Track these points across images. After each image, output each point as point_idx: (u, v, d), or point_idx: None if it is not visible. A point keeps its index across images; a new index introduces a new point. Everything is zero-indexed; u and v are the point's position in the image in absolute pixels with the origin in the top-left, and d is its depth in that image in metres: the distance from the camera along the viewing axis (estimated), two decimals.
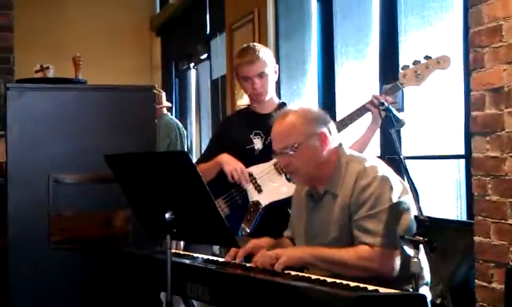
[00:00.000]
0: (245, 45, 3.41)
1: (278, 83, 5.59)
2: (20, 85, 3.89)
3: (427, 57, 2.99)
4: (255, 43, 3.46)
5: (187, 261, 2.66)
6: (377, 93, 3.38)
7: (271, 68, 3.32)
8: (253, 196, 3.27)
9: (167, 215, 2.42)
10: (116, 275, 2.88)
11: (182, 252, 2.83)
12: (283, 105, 3.39)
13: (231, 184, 3.24)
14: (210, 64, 7.29)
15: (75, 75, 4.22)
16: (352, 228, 2.48)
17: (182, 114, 8.60)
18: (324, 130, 2.56)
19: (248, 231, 3.17)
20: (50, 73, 4.22)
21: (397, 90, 3.07)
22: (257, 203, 3.25)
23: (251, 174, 3.26)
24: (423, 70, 2.98)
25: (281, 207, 3.25)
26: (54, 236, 3.67)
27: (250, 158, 3.30)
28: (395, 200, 2.45)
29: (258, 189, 3.26)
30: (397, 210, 2.44)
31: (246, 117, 3.45)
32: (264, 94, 3.31)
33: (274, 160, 3.24)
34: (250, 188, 3.26)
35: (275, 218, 3.24)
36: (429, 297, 2.43)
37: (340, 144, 2.61)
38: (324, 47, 5.06)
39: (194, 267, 2.60)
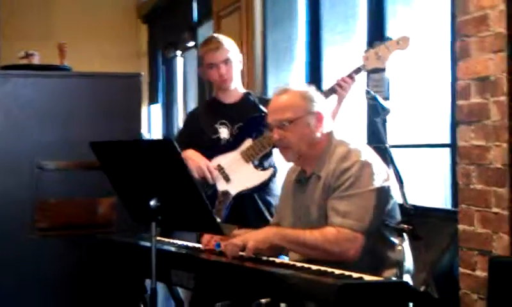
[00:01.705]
0: (209, 35, 3.48)
1: (264, 70, 5.63)
2: (4, 72, 3.88)
3: (387, 39, 3.11)
4: (219, 34, 3.53)
5: (172, 249, 2.66)
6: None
7: (235, 55, 3.39)
8: (222, 186, 3.28)
9: (152, 203, 2.42)
10: (100, 262, 2.87)
11: (166, 239, 2.83)
12: (248, 94, 3.44)
13: None
14: (197, 52, 7.26)
15: (61, 62, 4.19)
16: (327, 207, 2.48)
17: (168, 102, 8.57)
18: (321, 111, 2.57)
19: (219, 221, 3.18)
20: (35, 60, 4.19)
21: (359, 72, 3.15)
22: (226, 193, 3.28)
23: (218, 165, 3.28)
24: (384, 51, 3.07)
25: (250, 195, 3.28)
26: (39, 223, 3.66)
27: (217, 148, 3.34)
28: (375, 186, 2.44)
29: (227, 179, 3.28)
30: (376, 196, 2.44)
31: (212, 107, 3.48)
32: (229, 81, 3.37)
33: (241, 149, 3.28)
34: (218, 178, 3.28)
35: (245, 206, 3.26)
36: (411, 285, 2.45)
37: (332, 131, 2.62)
38: (311, 34, 5.05)
39: (179, 254, 2.60)
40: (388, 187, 2.48)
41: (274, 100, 2.63)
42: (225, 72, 3.34)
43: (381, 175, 2.48)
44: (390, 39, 3.09)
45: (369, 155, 2.52)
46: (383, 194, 2.46)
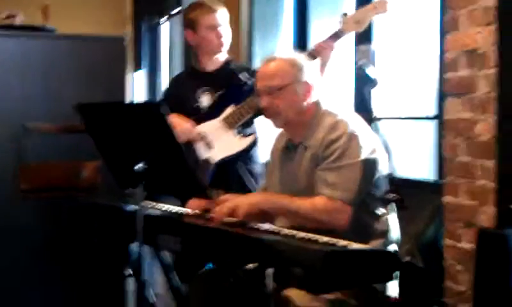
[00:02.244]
0: (200, 0, 3.41)
1: (250, 40, 5.58)
2: None
3: (364, 3, 3.13)
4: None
5: (158, 213, 2.65)
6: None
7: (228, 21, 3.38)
8: (204, 152, 3.27)
9: (137, 167, 2.40)
10: (85, 226, 2.85)
11: (152, 203, 2.81)
12: (229, 62, 3.41)
13: None
14: (184, 15, 7.17)
15: (44, 23, 4.11)
16: (315, 178, 2.48)
17: (153, 68, 8.49)
18: (310, 80, 2.56)
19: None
20: (18, 21, 4.11)
21: (338, 36, 3.11)
22: (208, 160, 3.26)
23: (200, 132, 3.27)
24: (361, 16, 3.06)
25: (232, 162, 3.27)
26: (22, 185, 3.62)
27: (198, 115, 3.32)
28: (362, 157, 2.44)
29: (209, 146, 3.27)
30: (364, 167, 2.44)
31: (193, 75, 3.47)
32: (226, 46, 3.36)
33: (223, 116, 3.28)
34: (200, 145, 3.27)
35: (227, 173, 3.26)
36: (398, 255, 2.46)
37: (318, 100, 2.61)
38: (299, 4, 5.02)
39: (165, 218, 2.59)
40: (376, 158, 2.48)
41: (264, 67, 2.61)
42: (225, 35, 3.32)
43: (369, 146, 2.47)
44: (367, 3, 3.07)
45: (357, 125, 2.52)
46: (370, 165, 2.46)
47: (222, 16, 3.34)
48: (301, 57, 2.62)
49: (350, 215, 2.41)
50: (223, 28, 3.33)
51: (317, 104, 2.60)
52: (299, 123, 2.58)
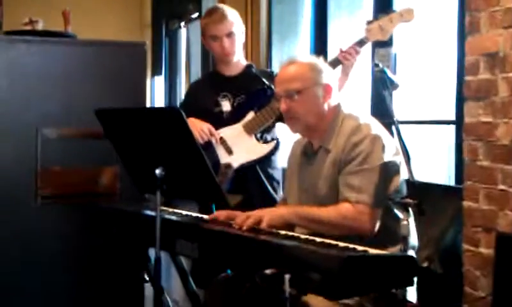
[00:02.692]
0: (213, 6, 3.43)
1: (269, 44, 5.59)
2: (8, 37, 3.82)
3: (390, 11, 3.08)
4: (223, 4, 3.47)
5: (177, 218, 2.65)
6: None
7: (238, 28, 3.35)
8: (224, 158, 3.28)
9: (157, 172, 2.41)
10: (104, 230, 2.86)
11: (170, 209, 2.82)
12: (250, 66, 3.42)
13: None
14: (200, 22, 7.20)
15: (65, 29, 4.15)
16: (339, 183, 2.47)
17: (172, 74, 8.53)
18: (329, 83, 2.56)
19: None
20: (39, 27, 4.14)
21: (363, 44, 3.12)
22: (228, 165, 3.27)
23: (221, 137, 3.27)
24: (387, 24, 3.04)
25: (252, 168, 3.27)
26: (41, 191, 3.65)
27: (219, 120, 3.32)
28: (386, 159, 2.43)
29: (229, 151, 3.28)
30: (386, 170, 2.42)
31: (213, 80, 3.46)
32: (232, 55, 3.34)
33: (243, 122, 3.27)
34: (221, 150, 3.27)
35: (247, 179, 3.26)
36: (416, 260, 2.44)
37: (339, 103, 2.60)
38: (317, 8, 5.01)
39: (183, 223, 2.59)
40: (398, 161, 2.47)
41: (283, 70, 2.61)
42: (228, 45, 3.31)
43: (391, 149, 2.47)
44: (394, 11, 3.06)
45: (379, 128, 2.51)
46: (394, 168, 2.45)
47: (228, 26, 3.29)
48: (319, 61, 2.61)
49: (378, 218, 2.40)
50: (228, 38, 3.30)
51: (337, 107, 2.59)
52: (319, 127, 2.57)
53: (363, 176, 2.41)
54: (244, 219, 2.41)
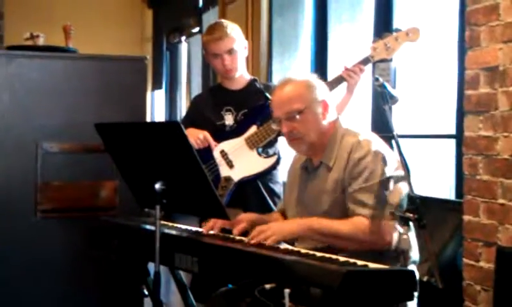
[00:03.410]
0: (213, 22, 3.44)
1: (269, 57, 5.60)
2: (9, 52, 3.84)
3: (396, 30, 3.05)
4: (224, 20, 3.48)
5: (176, 233, 2.65)
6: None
7: (240, 44, 3.33)
8: (225, 171, 3.28)
9: (157, 186, 2.40)
10: (103, 244, 2.86)
11: (170, 223, 2.82)
12: (254, 81, 3.42)
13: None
14: (201, 38, 7.22)
15: (66, 44, 4.16)
16: (347, 200, 2.46)
17: (172, 88, 8.54)
18: (326, 99, 2.56)
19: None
20: (41, 42, 4.15)
21: (367, 62, 3.12)
22: (229, 178, 3.27)
23: (222, 150, 3.27)
24: (393, 43, 3.03)
25: (253, 182, 3.27)
26: (41, 205, 3.65)
27: (221, 134, 3.32)
28: (388, 174, 2.43)
29: (230, 164, 3.27)
30: (389, 184, 2.43)
31: (217, 93, 3.46)
32: (234, 71, 3.34)
33: (245, 136, 3.27)
34: (221, 163, 3.27)
35: (247, 193, 3.25)
36: (416, 275, 2.43)
37: (338, 118, 2.60)
38: (318, 22, 5.03)
39: (183, 238, 2.58)
40: (401, 175, 2.46)
41: (279, 92, 2.58)
42: (229, 63, 3.30)
43: (393, 163, 2.47)
44: (400, 30, 3.04)
45: (379, 143, 2.51)
46: (397, 181, 2.45)
47: (228, 43, 3.27)
48: (312, 77, 2.60)
49: (393, 230, 2.40)
50: (228, 55, 3.28)
51: (336, 122, 2.59)
52: (320, 144, 2.56)
53: (371, 192, 2.41)
54: (255, 234, 2.40)
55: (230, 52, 3.29)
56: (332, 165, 2.52)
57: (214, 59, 3.33)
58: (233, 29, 3.32)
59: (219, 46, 3.28)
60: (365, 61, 3.13)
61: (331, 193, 2.50)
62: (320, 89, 2.57)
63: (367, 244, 2.38)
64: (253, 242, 2.39)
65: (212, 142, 3.27)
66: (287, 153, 3.39)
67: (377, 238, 2.39)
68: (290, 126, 2.53)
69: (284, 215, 2.79)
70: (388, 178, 2.43)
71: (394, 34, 3.04)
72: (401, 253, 2.46)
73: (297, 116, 2.51)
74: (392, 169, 2.46)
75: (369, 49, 3.10)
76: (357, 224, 2.40)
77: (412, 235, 2.50)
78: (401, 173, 2.46)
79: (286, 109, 2.53)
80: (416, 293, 2.20)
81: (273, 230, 2.42)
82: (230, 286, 2.62)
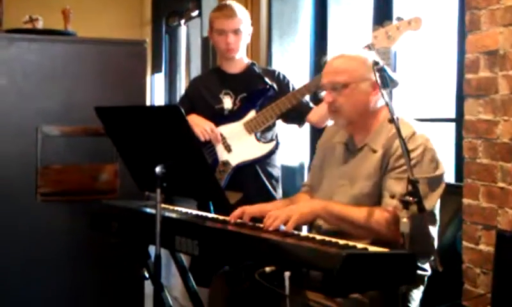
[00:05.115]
0: (224, 2, 3.44)
1: (269, 41, 5.59)
2: (8, 35, 3.82)
3: (398, 19, 3.01)
4: (235, 2, 3.47)
5: (177, 216, 2.66)
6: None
7: (246, 27, 3.37)
8: (223, 155, 3.28)
9: (157, 169, 2.41)
10: (104, 227, 2.87)
11: (170, 206, 2.82)
12: (252, 65, 3.42)
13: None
14: (201, 22, 7.21)
15: (65, 27, 4.15)
16: (382, 185, 2.41)
17: (172, 71, 8.53)
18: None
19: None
20: (40, 25, 4.14)
21: (369, 50, 3.05)
22: (226, 163, 3.28)
23: (220, 134, 3.27)
24: (394, 32, 3.00)
25: (251, 166, 3.28)
26: (42, 189, 3.65)
27: (220, 117, 3.33)
28: (432, 174, 2.39)
29: (228, 149, 3.28)
30: (429, 184, 2.37)
31: (216, 76, 3.47)
32: (235, 51, 3.36)
33: (244, 120, 3.28)
34: (220, 147, 3.28)
35: (245, 177, 3.27)
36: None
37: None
38: (318, 5, 5.02)
39: (183, 221, 2.59)
40: (443, 178, 2.43)
41: (330, 62, 2.55)
42: (233, 41, 3.32)
43: (440, 164, 2.42)
44: (401, 19, 2.99)
45: (432, 140, 2.44)
46: (436, 184, 2.40)
47: (236, 22, 3.31)
48: (370, 55, 2.53)
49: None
50: (233, 34, 3.31)
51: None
52: (365, 126, 2.51)
53: (406, 185, 2.37)
54: (271, 221, 2.36)
55: (236, 32, 3.32)
56: (378, 149, 2.46)
57: (218, 35, 3.35)
58: (242, 12, 3.37)
59: (228, 23, 3.30)
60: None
61: (372, 178, 2.44)
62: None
63: (378, 236, 2.33)
64: (271, 228, 2.34)
65: (219, 135, 3.27)
66: (285, 137, 3.39)
67: (387, 232, 2.31)
68: (333, 97, 2.49)
69: (310, 194, 2.72)
70: (430, 179, 2.37)
71: (396, 22, 3.00)
72: (401, 236, 2.46)
73: (342, 89, 2.47)
74: (438, 169, 2.41)
75: (370, 37, 3.06)
76: (375, 214, 2.35)
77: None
78: (444, 176, 2.42)
79: (331, 79, 2.50)
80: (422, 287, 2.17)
81: (288, 213, 2.36)
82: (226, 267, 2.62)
